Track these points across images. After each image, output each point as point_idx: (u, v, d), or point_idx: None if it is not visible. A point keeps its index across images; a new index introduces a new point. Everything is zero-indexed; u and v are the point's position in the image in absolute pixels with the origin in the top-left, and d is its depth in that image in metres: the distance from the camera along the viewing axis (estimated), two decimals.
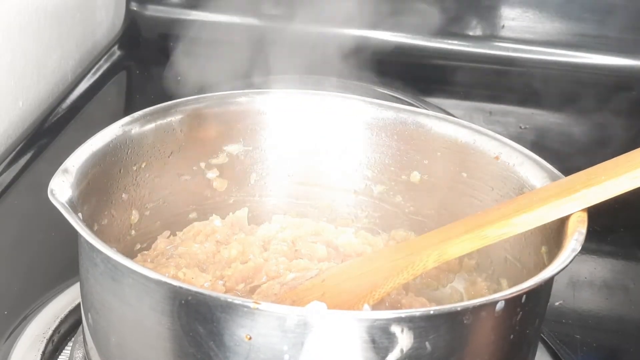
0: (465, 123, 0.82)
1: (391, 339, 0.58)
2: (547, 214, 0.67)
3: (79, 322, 0.79)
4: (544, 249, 0.71)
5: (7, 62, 1.11)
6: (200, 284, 0.74)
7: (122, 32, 1.45)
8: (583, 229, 0.66)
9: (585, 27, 1.40)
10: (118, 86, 1.36)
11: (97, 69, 1.34)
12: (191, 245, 0.80)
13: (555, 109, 1.34)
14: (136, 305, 0.62)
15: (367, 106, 0.85)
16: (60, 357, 0.80)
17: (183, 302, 0.59)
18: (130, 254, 0.79)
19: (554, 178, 0.74)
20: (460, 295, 0.80)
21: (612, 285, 0.99)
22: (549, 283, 0.67)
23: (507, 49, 1.42)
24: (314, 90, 0.87)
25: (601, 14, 1.38)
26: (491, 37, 1.43)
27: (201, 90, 1.01)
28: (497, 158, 0.78)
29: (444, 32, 1.42)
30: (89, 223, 0.69)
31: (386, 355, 0.58)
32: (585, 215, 0.67)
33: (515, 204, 0.70)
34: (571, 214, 0.67)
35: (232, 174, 0.85)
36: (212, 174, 0.84)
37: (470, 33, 1.44)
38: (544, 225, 0.69)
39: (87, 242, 0.63)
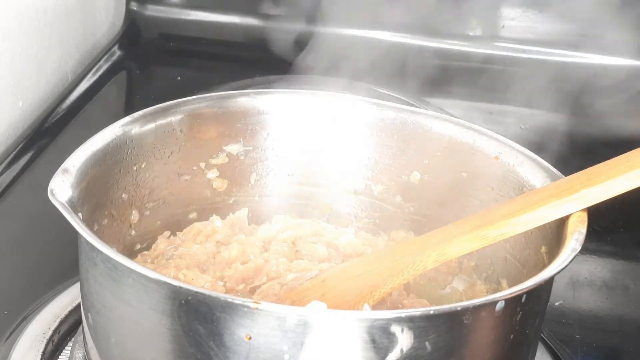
0: (465, 123, 0.82)
1: (391, 339, 0.58)
2: (547, 214, 0.67)
3: (79, 322, 0.79)
4: (544, 249, 0.71)
5: (7, 62, 1.11)
6: (201, 285, 0.74)
7: (122, 32, 1.45)
8: (583, 229, 0.66)
9: (585, 27, 1.40)
10: (118, 86, 1.36)
11: (97, 69, 1.34)
12: (191, 246, 0.80)
13: (555, 109, 1.34)
14: (136, 305, 0.62)
15: (367, 106, 0.85)
16: (60, 357, 0.80)
17: (183, 302, 0.59)
18: (130, 254, 0.79)
19: (554, 178, 0.74)
20: (461, 296, 0.80)
21: (612, 285, 0.99)
22: (549, 283, 0.67)
23: (507, 49, 1.42)
24: (314, 90, 0.87)
25: (601, 14, 1.37)
26: (491, 37, 1.43)
27: (201, 90, 1.01)
28: (497, 158, 0.78)
29: (444, 32, 1.42)
30: (89, 223, 0.69)
31: (386, 355, 0.58)
32: (585, 215, 0.67)
33: (515, 204, 0.70)
34: (571, 214, 0.67)
35: (232, 174, 0.85)
36: (212, 174, 0.84)
37: (470, 33, 1.44)
38: (544, 225, 0.69)
39: (87, 242, 0.63)
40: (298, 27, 1.42)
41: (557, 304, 0.92)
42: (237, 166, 0.85)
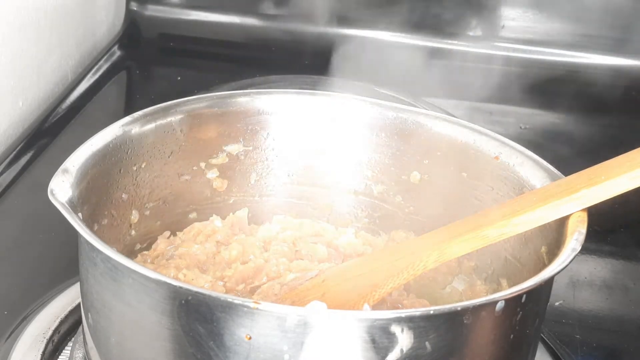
0: (465, 123, 0.82)
1: (391, 339, 0.58)
2: (547, 214, 0.67)
3: (79, 322, 0.79)
4: (544, 249, 0.71)
5: (7, 62, 1.11)
6: (201, 285, 0.74)
7: (122, 32, 1.45)
8: (583, 229, 0.66)
9: (585, 27, 1.40)
10: (118, 86, 1.36)
11: (97, 69, 1.34)
12: (191, 246, 0.80)
13: (555, 109, 1.34)
14: (136, 305, 0.62)
15: (367, 106, 0.85)
16: (60, 357, 0.80)
17: (183, 302, 0.59)
18: (130, 254, 0.79)
19: (554, 178, 0.74)
20: (461, 296, 0.80)
21: (612, 285, 0.99)
22: (549, 283, 0.67)
23: (507, 49, 1.42)
24: (314, 90, 0.87)
25: (601, 14, 1.38)
26: (491, 37, 1.43)
27: (201, 90, 1.01)
28: (497, 158, 0.78)
29: (444, 32, 1.42)
30: (89, 223, 0.69)
31: (386, 355, 0.58)
32: (585, 215, 0.67)
33: (515, 204, 0.70)
34: (571, 214, 0.67)
35: (232, 174, 0.85)
36: (212, 174, 0.84)
37: (470, 33, 1.44)
38: (544, 225, 0.69)
39: (87, 242, 0.63)
40: (298, 27, 1.42)
41: (557, 304, 0.92)
42: (237, 166, 0.85)
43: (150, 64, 1.44)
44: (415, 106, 0.98)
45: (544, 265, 0.66)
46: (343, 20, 1.42)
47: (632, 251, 1.05)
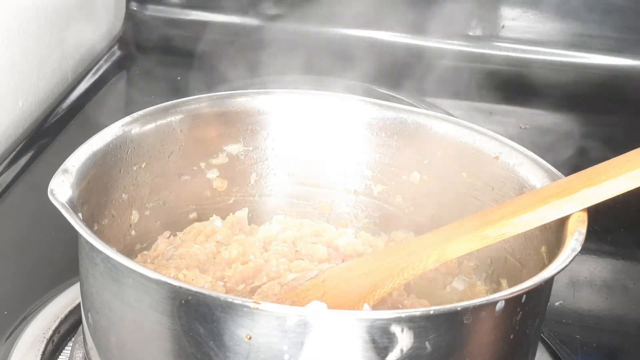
0: (465, 123, 0.82)
1: (391, 339, 0.58)
2: (547, 214, 0.67)
3: (79, 322, 0.79)
4: (544, 249, 0.71)
5: (7, 62, 1.11)
6: (201, 285, 0.74)
7: (122, 32, 1.45)
8: (583, 229, 0.66)
9: (585, 27, 1.40)
10: (118, 86, 1.36)
11: (97, 69, 1.34)
12: (191, 246, 0.80)
13: (555, 109, 1.34)
14: (136, 305, 0.62)
15: (367, 106, 0.85)
16: (60, 357, 0.80)
17: (183, 302, 0.59)
18: (130, 254, 0.79)
19: (554, 178, 0.74)
20: (461, 296, 0.80)
21: (612, 285, 0.99)
22: (549, 283, 0.67)
23: (507, 49, 1.42)
24: (314, 90, 0.87)
25: (601, 14, 1.38)
26: (491, 37, 1.43)
27: (201, 90, 1.01)
28: (497, 158, 0.78)
29: (444, 32, 1.42)
30: (89, 223, 0.69)
31: (386, 355, 0.58)
32: (585, 215, 0.67)
33: (515, 204, 0.70)
34: (571, 214, 0.67)
35: (232, 174, 0.85)
36: (212, 174, 0.84)
37: (470, 33, 1.44)
38: (544, 225, 0.69)
39: (87, 242, 0.63)
40: (298, 27, 1.42)
41: (557, 304, 0.92)
42: (237, 166, 0.85)
43: (150, 64, 1.44)
44: (415, 106, 0.98)
45: (544, 265, 0.66)
46: (342, 20, 1.42)
47: (632, 251, 1.05)
